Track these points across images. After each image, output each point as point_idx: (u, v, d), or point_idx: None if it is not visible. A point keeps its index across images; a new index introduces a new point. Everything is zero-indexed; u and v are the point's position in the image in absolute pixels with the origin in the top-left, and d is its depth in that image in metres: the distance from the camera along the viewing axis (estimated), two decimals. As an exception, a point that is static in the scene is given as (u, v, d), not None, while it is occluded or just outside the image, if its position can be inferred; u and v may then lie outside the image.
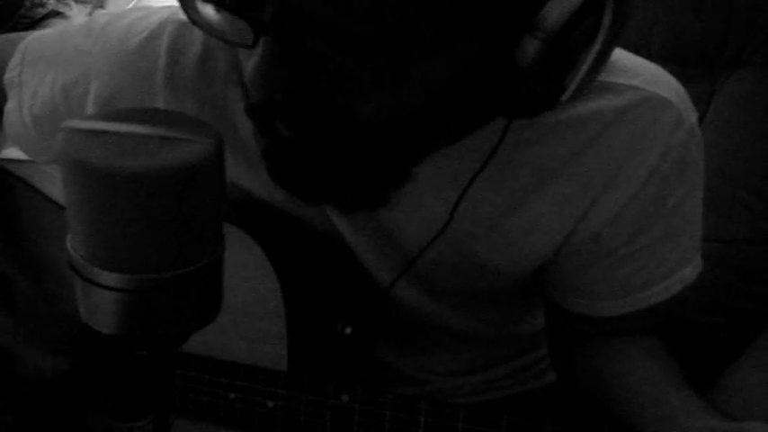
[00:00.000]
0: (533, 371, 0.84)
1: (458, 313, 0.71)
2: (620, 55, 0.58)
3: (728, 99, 1.00)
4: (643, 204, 0.59)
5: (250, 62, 0.42)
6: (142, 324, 0.38)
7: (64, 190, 0.35)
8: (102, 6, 2.06)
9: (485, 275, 0.65)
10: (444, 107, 0.47)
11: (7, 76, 0.69)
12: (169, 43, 0.61)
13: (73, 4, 2.05)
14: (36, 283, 0.75)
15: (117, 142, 0.35)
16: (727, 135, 0.99)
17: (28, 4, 1.95)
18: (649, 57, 0.60)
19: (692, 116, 0.59)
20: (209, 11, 0.44)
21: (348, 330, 0.63)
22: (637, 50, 0.59)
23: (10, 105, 0.69)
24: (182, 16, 0.44)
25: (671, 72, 0.60)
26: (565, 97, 0.45)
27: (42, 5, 1.98)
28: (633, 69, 0.58)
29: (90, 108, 0.64)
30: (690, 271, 0.64)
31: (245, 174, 0.62)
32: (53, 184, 0.74)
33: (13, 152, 0.77)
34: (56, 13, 2.00)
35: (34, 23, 1.96)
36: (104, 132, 0.35)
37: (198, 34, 0.61)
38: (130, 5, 2.09)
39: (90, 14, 2.03)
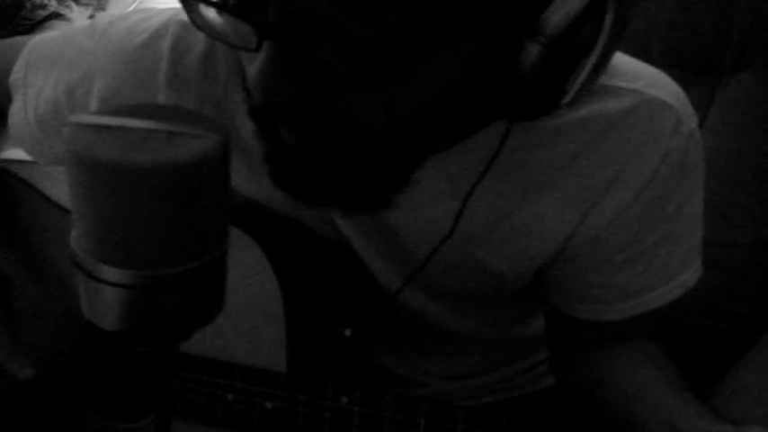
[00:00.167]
0: (532, 374, 0.84)
1: (458, 316, 0.71)
2: (620, 59, 0.58)
3: (729, 103, 1.00)
4: (643, 208, 0.59)
5: (253, 65, 0.42)
6: (145, 321, 0.38)
7: (69, 185, 0.35)
8: (103, 8, 2.06)
9: (486, 278, 0.65)
10: (446, 110, 0.47)
11: (12, 77, 0.70)
12: (172, 43, 0.61)
13: (74, 6, 2.06)
14: (35, 283, 0.75)
15: (123, 137, 0.35)
16: (728, 139, 0.99)
17: (29, 6, 1.95)
18: (650, 61, 0.60)
19: (692, 120, 0.59)
20: (211, 14, 0.44)
21: (348, 332, 0.63)
22: (637, 55, 0.59)
23: (14, 107, 0.70)
24: (184, 17, 0.44)
25: (671, 76, 0.60)
26: (565, 101, 0.45)
27: (43, 7, 1.99)
28: (634, 73, 0.58)
29: (93, 107, 0.64)
30: (690, 275, 0.64)
31: (246, 175, 0.62)
32: (53, 185, 0.74)
33: (14, 153, 0.77)
34: (57, 15, 2.01)
35: (35, 25, 1.96)
36: (110, 127, 0.35)
37: (200, 35, 0.61)
38: (132, 7, 2.09)
39: (91, 16, 2.04)
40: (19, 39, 0.74)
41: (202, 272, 0.37)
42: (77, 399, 0.70)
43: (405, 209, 0.59)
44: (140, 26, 0.63)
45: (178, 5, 0.45)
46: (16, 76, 0.69)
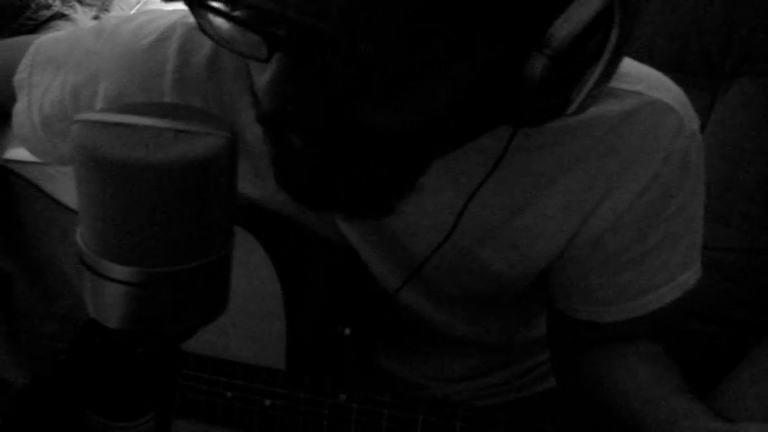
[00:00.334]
0: (532, 376, 0.84)
1: (460, 319, 0.71)
2: (623, 61, 0.58)
3: (729, 108, 1.01)
4: (645, 209, 0.59)
5: (263, 75, 0.42)
6: (150, 318, 0.38)
7: (76, 182, 0.36)
8: (106, 9, 2.07)
9: (488, 280, 0.65)
10: (453, 119, 0.47)
11: (17, 77, 0.69)
12: (178, 46, 0.61)
13: (78, 6, 2.06)
14: (36, 282, 0.75)
15: (131, 134, 0.35)
16: (728, 144, 0.99)
17: (33, 6, 1.96)
18: (652, 65, 0.60)
19: (693, 122, 0.59)
20: (221, 22, 0.45)
21: (347, 332, 0.63)
22: (639, 59, 0.60)
23: (19, 106, 0.70)
24: (191, 19, 0.45)
25: (673, 80, 0.60)
26: (570, 111, 0.46)
27: (48, 8, 1.99)
28: (636, 75, 0.58)
29: (98, 109, 0.64)
30: (691, 275, 0.64)
31: (250, 177, 0.62)
32: (56, 184, 0.74)
33: (18, 153, 0.77)
34: (61, 16, 2.01)
35: (39, 26, 1.97)
36: (118, 125, 0.35)
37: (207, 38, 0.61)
38: (136, 8, 2.10)
39: (95, 17, 2.04)
40: (23, 38, 0.74)
41: (208, 270, 0.38)
42: (77, 397, 0.70)
43: (408, 211, 0.59)
44: (147, 28, 0.63)
45: (183, 7, 0.45)
46: (21, 75, 0.69)
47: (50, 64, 0.68)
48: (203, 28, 0.44)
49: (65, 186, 0.74)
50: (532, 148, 0.57)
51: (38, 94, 0.68)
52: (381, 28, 0.39)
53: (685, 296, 0.64)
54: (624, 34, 0.42)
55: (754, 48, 0.98)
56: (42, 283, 0.75)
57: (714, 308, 0.98)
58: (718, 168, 0.98)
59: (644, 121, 0.57)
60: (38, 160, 0.76)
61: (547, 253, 0.63)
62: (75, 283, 0.72)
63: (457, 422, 0.55)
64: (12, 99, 0.71)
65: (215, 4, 0.42)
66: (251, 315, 0.62)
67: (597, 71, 0.43)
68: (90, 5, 2.05)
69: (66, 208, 0.72)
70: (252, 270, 0.62)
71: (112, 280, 0.36)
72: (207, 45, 0.61)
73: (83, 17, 1.99)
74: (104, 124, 0.35)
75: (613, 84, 0.56)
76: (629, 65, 0.59)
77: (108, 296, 0.37)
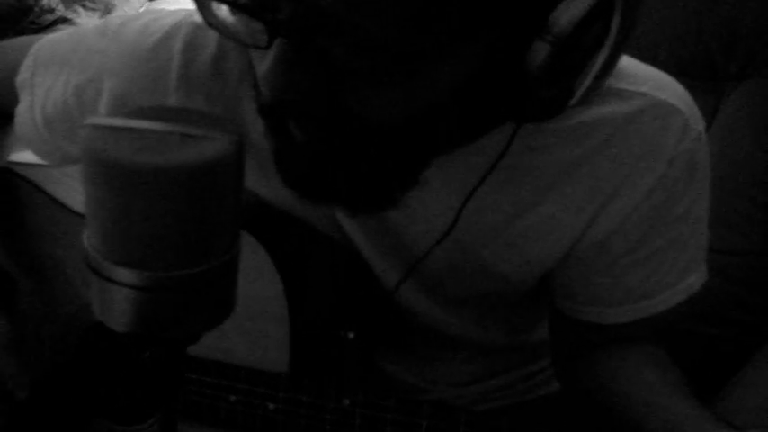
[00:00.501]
0: (535, 380, 0.84)
1: (463, 321, 0.71)
2: (628, 62, 0.58)
3: (734, 111, 1.01)
4: (650, 211, 0.59)
5: (264, 63, 0.42)
6: (157, 322, 0.38)
7: (84, 186, 0.36)
8: (109, 12, 2.07)
9: (492, 281, 0.65)
10: (455, 108, 0.47)
11: (19, 78, 0.70)
12: (183, 44, 0.61)
13: (81, 10, 2.07)
14: (40, 285, 0.75)
15: (139, 138, 0.35)
16: (732, 146, 0.99)
17: (37, 10, 1.96)
18: (654, 67, 0.60)
19: (699, 123, 0.59)
20: (223, 12, 0.45)
21: (351, 335, 0.63)
22: (644, 62, 0.60)
23: (22, 106, 0.70)
24: (197, 18, 0.45)
25: (677, 83, 0.60)
26: (573, 102, 0.46)
27: (51, 11, 1.99)
28: (641, 76, 0.58)
29: (102, 108, 0.64)
30: (696, 278, 0.64)
31: (255, 176, 0.62)
32: (60, 187, 0.74)
33: (22, 155, 0.78)
34: (64, 20, 2.02)
35: (42, 30, 1.97)
36: (127, 129, 0.36)
37: (212, 36, 0.61)
38: (140, 11, 2.10)
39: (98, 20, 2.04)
40: (25, 38, 0.74)
41: (216, 273, 0.38)
42: (81, 400, 0.70)
43: (410, 209, 0.59)
44: (152, 27, 0.63)
45: (188, 7, 0.45)
46: (23, 76, 0.69)
47: (53, 63, 0.68)
48: (207, 18, 0.44)
49: (68, 189, 0.74)
50: (537, 149, 0.57)
51: (40, 93, 0.68)
52: (383, 7, 0.38)
53: (690, 299, 0.64)
54: (626, 23, 0.42)
55: (757, 51, 0.98)
56: (46, 286, 0.75)
57: (717, 310, 0.98)
58: (723, 171, 0.98)
59: (649, 123, 0.57)
60: (42, 162, 0.76)
61: (550, 255, 0.63)
62: (79, 286, 0.72)
63: (460, 426, 0.55)
64: (15, 100, 0.71)
65: None
66: (254, 318, 0.62)
67: (599, 61, 0.43)
68: (93, 9, 2.06)
69: (70, 211, 0.72)
70: (255, 273, 0.62)
71: (119, 284, 0.36)
72: (212, 44, 0.61)
73: (86, 21, 2.00)
74: (112, 128, 0.36)
75: (618, 84, 0.56)
76: (634, 66, 0.59)
77: (115, 300, 0.37)
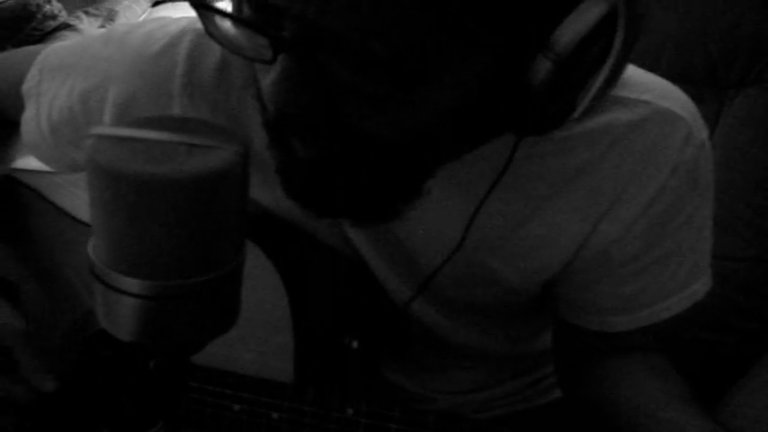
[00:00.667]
0: (538, 388, 0.83)
1: (468, 330, 0.71)
2: (631, 70, 0.58)
3: (736, 118, 1.01)
4: (653, 219, 0.59)
5: (268, 78, 0.43)
6: (162, 331, 0.38)
7: (89, 196, 0.36)
8: (112, 19, 2.07)
9: (496, 289, 0.65)
10: (457, 123, 0.47)
11: (25, 86, 0.70)
12: (187, 52, 0.62)
13: (84, 16, 2.07)
14: (42, 291, 0.75)
15: (145, 149, 0.35)
16: (735, 154, 0.99)
17: (39, 16, 1.97)
18: (656, 75, 0.60)
19: (702, 131, 0.59)
20: (227, 25, 0.45)
21: (355, 344, 0.63)
22: (645, 69, 0.60)
23: (27, 114, 0.70)
24: (201, 26, 0.45)
25: (679, 91, 0.60)
26: (574, 116, 0.46)
27: (54, 18, 2.00)
28: (644, 84, 0.58)
29: (107, 114, 0.64)
30: (699, 286, 0.63)
31: (258, 185, 0.63)
32: (62, 194, 0.74)
33: (25, 162, 0.78)
34: (66, 26, 2.02)
35: (45, 36, 1.97)
36: (132, 139, 0.36)
37: (216, 44, 0.61)
38: (141, 19, 2.10)
39: (101, 27, 2.05)
40: (31, 48, 0.75)
41: (221, 282, 0.38)
42: (84, 409, 0.70)
43: (415, 219, 0.59)
44: (157, 34, 0.63)
45: (192, 14, 0.45)
46: (29, 84, 0.70)
47: (59, 71, 0.68)
48: (211, 32, 0.45)
49: (71, 196, 0.74)
50: (540, 157, 0.57)
51: (46, 101, 0.69)
52: (384, 26, 0.39)
53: (693, 307, 0.64)
54: (629, 40, 0.42)
55: (758, 59, 0.99)
56: (48, 293, 0.75)
57: (721, 317, 0.98)
58: (725, 178, 0.98)
59: (652, 130, 0.57)
60: (45, 169, 0.76)
61: (554, 263, 0.63)
62: (82, 293, 0.72)
63: (466, 436, 0.55)
64: (21, 108, 0.71)
65: (221, 6, 0.43)
66: (258, 327, 0.62)
67: (601, 77, 0.43)
68: (95, 16, 2.06)
69: (73, 218, 0.72)
70: (258, 282, 0.62)
71: (125, 293, 0.36)
72: (216, 51, 0.61)
73: (88, 27, 2.00)
74: (118, 138, 0.36)
75: (621, 92, 0.56)
76: (637, 74, 0.59)
77: (120, 309, 0.37)
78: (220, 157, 0.35)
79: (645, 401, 0.63)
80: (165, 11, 2.08)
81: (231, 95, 0.61)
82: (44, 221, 0.74)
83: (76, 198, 0.75)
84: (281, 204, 0.63)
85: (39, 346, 0.65)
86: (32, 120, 0.70)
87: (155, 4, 2.18)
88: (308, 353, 0.62)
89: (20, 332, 0.63)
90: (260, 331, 0.63)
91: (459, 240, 0.57)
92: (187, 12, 0.59)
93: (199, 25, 0.60)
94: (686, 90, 0.60)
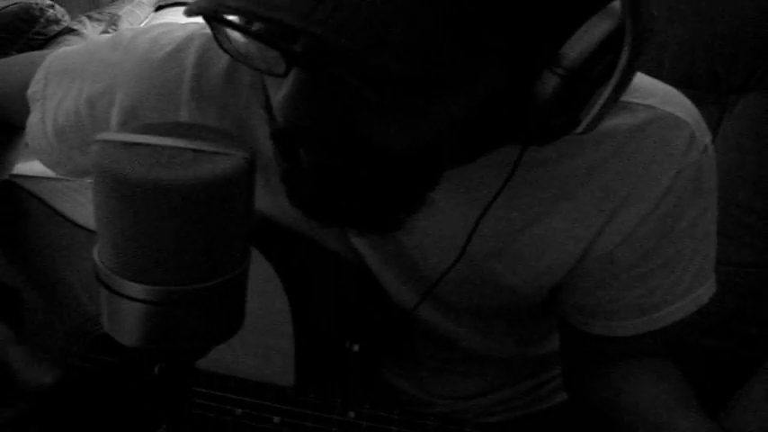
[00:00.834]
0: (542, 392, 0.83)
1: (473, 334, 0.71)
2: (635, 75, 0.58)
3: (737, 123, 1.01)
4: (656, 223, 0.59)
5: (279, 91, 0.43)
6: (166, 337, 0.38)
7: (95, 201, 0.36)
8: (115, 24, 2.08)
9: (501, 294, 0.65)
10: (465, 134, 0.47)
11: (31, 90, 0.70)
12: (196, 57, 0.62)
13: (87, 21, 2.07)
14: (43, 297, 0.75)
15: (151, 154, 0.35)
16: (735, 158, 1.00)
17: (43, 21, 1.97)
18: (659, 80, 0.61)
19: (705, 136, 0.59)
20: (238, 36, 0.45)
21: (356, 348, 0.63)
22: (648, 74, 0.60)
23: (33, 118, 0.70)
24: (209, 31, 0.45)
25: (681, 96, 0.60)
26: (579, 130, 0.46)
27: (57, 22, 2.00)
28: (648, 89, 0.58)
29: (114, 119, 0.64)
30: (704, 291, 0.64)
31: (264, 191, 0.63)
32: (64, 199, 0.75)
33: (27, 167, 0.78)
34: (70, 30, 2.02)
35: (48, 40, 1.97)
36: (138, 145, 0.36)
37: None
38: (144, 23, 2.11)
39: (104, 32, 2.05)
40: (36, 53, 0.75)
41: (226, 288, 0.38)
42: (87, 414, 0.70)
43: (419, 226, 0.59)
44: (164, 39, 0.63)
45: (196, 20, 0.45)
46: (35, 88, 0.70)
47: (65, 75, 0.68)
48: (220, 43, 0.45)
49: (73, 202, 0.75)
50: (543, 162, 0.58)
51: (51, 105, 0.68)
52: (395, 41, 0.39)
53: (698, 312, 0.64)
54: (635, 54, 0.42)
55: (759, 64, 0.99)
56: (49, 298, 0.75)
57: (724, 323, 0.98)
58: (727, 183, 0.97)
59: (656, 135, 0.57)
60: (46, 175, 0.76)
61: (559, 267, 0.63)
62: (83, 299, 0.72)
63: (467, 440, 0.55)
64: (26, 113, 0.71)
65: (233, 19, 0.43)
66: (260, 332, 0.62)
67: (607, 91, 0.44)
68: (98, 20, 2.06)
69: (74, 223, 0.72)
70: (260, 287, 0.62)
71: (130, 298, 0.36)
72: (225, 57, 0.61)
73: (92, 32, 2.00)
74: (124, 144, 0.36)
75: (625, 97, 0.56)
76: (640, 79, 0.59)
77: (125, 314, 0.37)
78: (227, 163, 0.35)
79: (650, 406, 0.63)
80: (168, 15, 2.08)
81: (238, 101, 0.61)
82: (45, 227, 0.74)
83: (78, 204, 0.75)
84: (286, 211, 0.63)
85: (30, 349, 0.65)
86: (38, 124, 0.70)
87: (158, 9, 2.18)
88: (310, 357, 0.62)
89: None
90: (262, 336, 0.63)
91: (463, 246, 0.57)
92: (185, 19, 0.59)
93: (206, 30, 0.61)
94: (688, 95, 0.60)
